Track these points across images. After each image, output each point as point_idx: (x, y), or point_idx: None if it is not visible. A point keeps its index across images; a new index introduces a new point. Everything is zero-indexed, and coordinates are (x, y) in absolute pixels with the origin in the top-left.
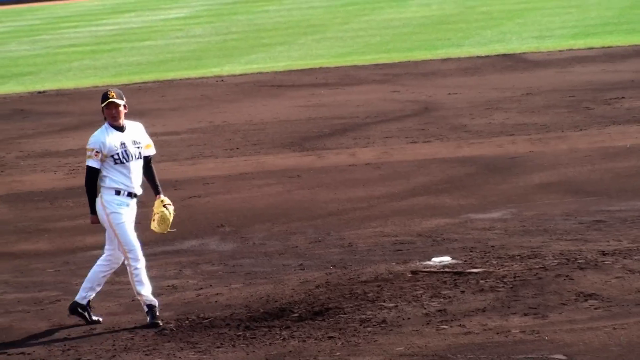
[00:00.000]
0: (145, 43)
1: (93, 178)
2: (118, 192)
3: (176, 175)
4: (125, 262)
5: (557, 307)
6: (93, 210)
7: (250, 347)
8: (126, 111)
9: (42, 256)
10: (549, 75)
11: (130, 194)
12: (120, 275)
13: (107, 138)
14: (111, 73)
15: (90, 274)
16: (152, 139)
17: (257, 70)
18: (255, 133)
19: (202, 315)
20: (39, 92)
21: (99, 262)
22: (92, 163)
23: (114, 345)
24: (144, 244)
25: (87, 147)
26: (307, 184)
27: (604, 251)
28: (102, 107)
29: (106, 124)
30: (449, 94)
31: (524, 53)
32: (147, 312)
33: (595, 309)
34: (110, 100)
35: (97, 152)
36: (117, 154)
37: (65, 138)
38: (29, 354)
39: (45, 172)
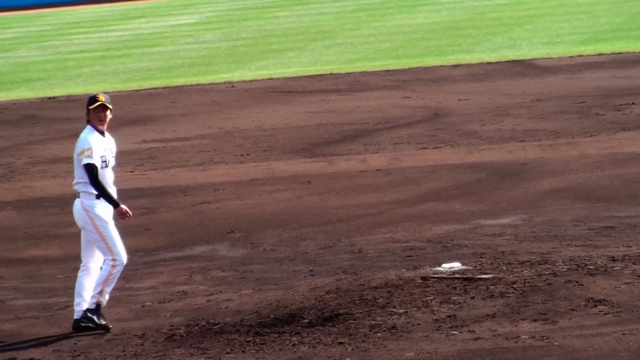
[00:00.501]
0: (155, 49)
1: (97, 175)
2: (98, 197)
3: (186, 181)
4: (106, 261)
5: (567, 312)
6: (116, 203)
7: (260, 353)
8: (111, 117)
9: (52, 262)
10: (559, 81)
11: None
12: (130, 281)
13: (95, 141)
14: (121, 79)
15: (76, 288)
16: (163, 146)
17: (268, 76)
18: (265, 139)
19: (212, 321)
20: (49, 98)
21: (79, 272)
22: (92, 160)
23: (123, 351)
24: (154, 250)
25: (84, 147)
26: (317, 190)
27: (613, 257)
28: (89, 109)
29: (90, 127)
30: (459, 100)
31: (534, 59)
32: (92, 309)
33: (605, 314)
34: (102, 102)
35: (92, 150)
36: (104, 156)
37: (75, 144)
38: (38, 359)
39: (55, 178)
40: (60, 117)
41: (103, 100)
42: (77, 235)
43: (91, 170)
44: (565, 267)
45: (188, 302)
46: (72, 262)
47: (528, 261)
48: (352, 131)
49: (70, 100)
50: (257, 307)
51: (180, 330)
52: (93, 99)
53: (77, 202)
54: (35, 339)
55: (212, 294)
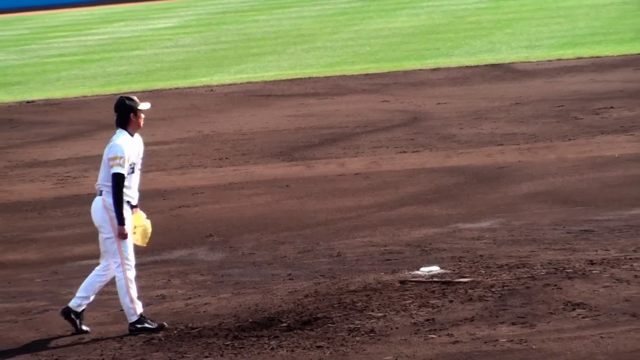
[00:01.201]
0: (134, 53)
1: (122, 186)
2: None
3: (165, 185)
4: (116, 269)
5: (545, 316)
6: (122, 221)
7: (238, 357)
8: None
9: (30, 266)
10: (538, 85)
11: (129, 203)
12: (109, 285)
13: (128, 147)
14: (100, 83)
15: (86, 283)
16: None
17: (247, 80)
18: (244, 143)
19: (190, 325)
20: (28, 102)
21: (96, 271)
22: (123, 170)
23: (102, 355)
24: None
25: (117, 154)
26: (296, 193)
27: (591, 260)
28: (131, 112)
29: (124, 132)
30: (438, 103)
31: (512, 63)
32: (138, 320)
33: (583, 318)
34: (145, 108)
35: (125, 160)
36: (134, 163)
37: (53, 148)
38: None
39: (33, 182)
40: (38, 121)
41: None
42: (55, 240)
43: (119, 180)
44: (543, 270)
45: (166, 306)
46: (51, 266)
47: (506, 265)
48: (330, 135)
49: (48, 104)
50: (235, 311)
51: (159, 335)
52: (134, 102)
53: (98, 200)
54: (13, 342)
55: (190, 297)
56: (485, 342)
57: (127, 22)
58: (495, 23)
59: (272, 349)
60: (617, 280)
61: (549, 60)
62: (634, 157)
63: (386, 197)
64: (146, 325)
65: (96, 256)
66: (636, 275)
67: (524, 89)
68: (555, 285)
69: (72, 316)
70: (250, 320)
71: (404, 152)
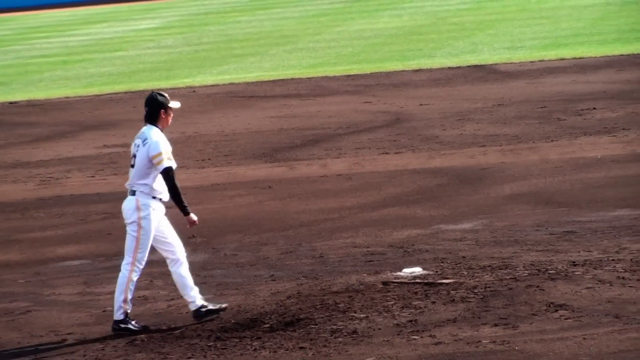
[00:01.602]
0: (116, 54)
1: (174, 177)
2: (154, 197)
3: None
4: (125, 265)
5: (528, 317)
6: (187, 211)
7: (221, 358)
8: None
9: (12, 267)
10: (520, 86)
11: (161, 200)
12: (91, 286)
13: (166, 143)
14: (82, 84)
15: (119, 285)
16: (124, 151)
17: (229, 81)
18: (226, 144)
19: (173, 325)
20: (10, 103)
21: (172, 268)
22: (172, 163)
23: (84, 356)
24: (115, 255)
25: (159, 151)
26: (279, 194)
27: (574, 262)
28: (161, 109)
29: (156, 128)
30: (421, 104)
31: (495, 64)
32: (122, 320)
33: (566, 319)
34: (175, 106)
35: (169, 151)
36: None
37: (36, 149)
38: None
39: (16, 183)
40: (21, 122)
41: None
42: (37, 240)
43: (171, 173)
44: (526, 271)
45: (149, 307)
46: (33, 267)
47: (489, 266)
48: (313, 136)
49: (31, 104)
50: None
51: (142, 336)
52: (166, 98)
53: (131, 199)
54: None
55: (173, 299)
56: (468, 344)
57: (110, 23)
58: (477, 24)
59: (255, 350)
60: (599, 281)
61: (531, 62)
62: (616, 158)
63: (369, 198)
64: (129, 326)
65: (78, 257)
66: (619, 277)
67: (506, 90)
68: (537, 287)
69: (122, 326)
70: (233, 321)
71: (387, 153)
